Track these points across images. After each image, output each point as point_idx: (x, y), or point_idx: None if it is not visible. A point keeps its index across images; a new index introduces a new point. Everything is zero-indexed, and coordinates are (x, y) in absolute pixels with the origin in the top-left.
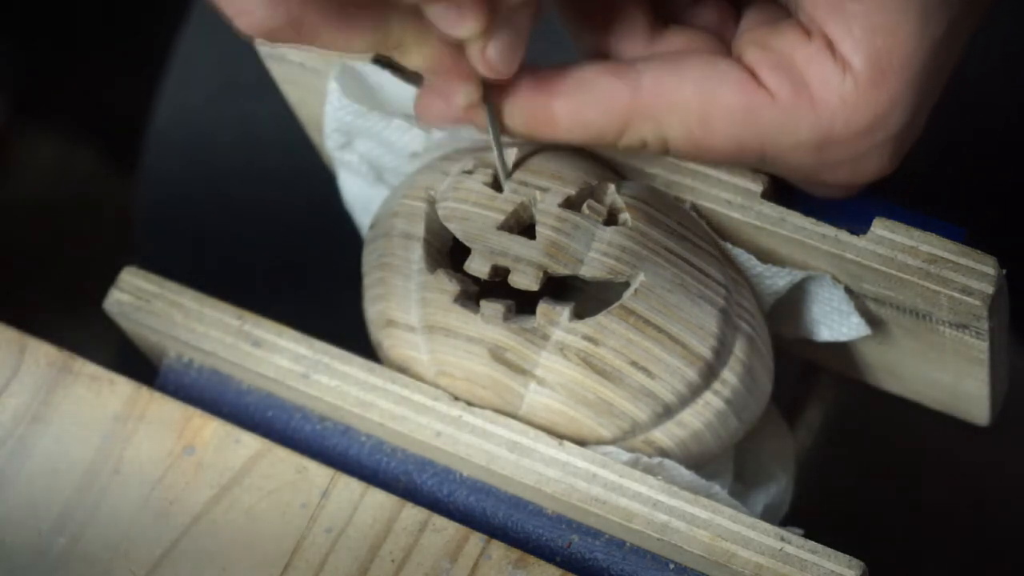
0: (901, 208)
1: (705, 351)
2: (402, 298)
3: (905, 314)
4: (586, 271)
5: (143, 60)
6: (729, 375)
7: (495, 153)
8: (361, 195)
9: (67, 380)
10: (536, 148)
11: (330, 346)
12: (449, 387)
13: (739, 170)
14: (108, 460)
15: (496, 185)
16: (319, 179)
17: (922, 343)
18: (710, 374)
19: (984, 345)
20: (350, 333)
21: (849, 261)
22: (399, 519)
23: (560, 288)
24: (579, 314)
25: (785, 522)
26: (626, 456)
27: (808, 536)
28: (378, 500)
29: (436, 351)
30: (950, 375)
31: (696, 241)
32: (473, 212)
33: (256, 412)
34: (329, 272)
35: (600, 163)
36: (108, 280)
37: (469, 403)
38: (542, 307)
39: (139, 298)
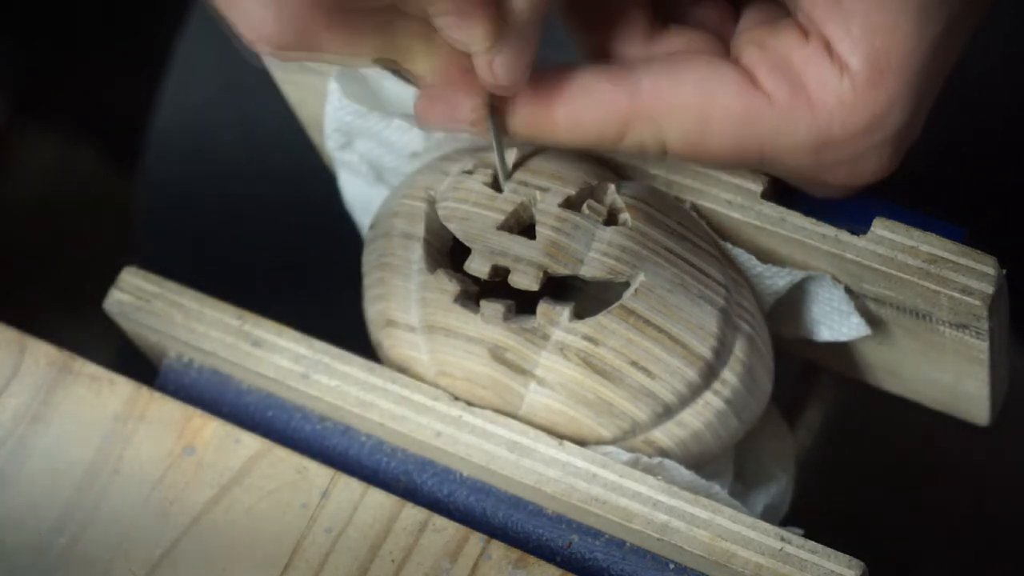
0: (901, 208)
1: (705, 351)
2: (402, 298)
3: (905, 314)
4: (586, 271)
5: (143, 60)
6: (729, 375)
7: (496, 155)
8: (361, 195)
9: (67, 380)
10: (536, 148)
11: (330, 346)
12: (449, 387)
13: (739, 170)
14: (108, 460)
15: (496, 185)
16: (319, 179)
17: (922, 343)
18: (710, 374)
19: (984, 345)
20: (350, 333)
21: (849, 261)
22: (399, 519)
23: (560, 288)
24: (579, 314)
25: (785, 522)
26: (626, 456)
27: (808, 536)
28: (378, 500)
29: (436, 351)
30: (950, 375)
31: (696, 241)
32: (473, 212)
33: (256, 412)
34: (329, 272)
35: (600, 163)
36: (108, 280)
37: (469, 403)
38: (542, 307)
39: (139, 298)
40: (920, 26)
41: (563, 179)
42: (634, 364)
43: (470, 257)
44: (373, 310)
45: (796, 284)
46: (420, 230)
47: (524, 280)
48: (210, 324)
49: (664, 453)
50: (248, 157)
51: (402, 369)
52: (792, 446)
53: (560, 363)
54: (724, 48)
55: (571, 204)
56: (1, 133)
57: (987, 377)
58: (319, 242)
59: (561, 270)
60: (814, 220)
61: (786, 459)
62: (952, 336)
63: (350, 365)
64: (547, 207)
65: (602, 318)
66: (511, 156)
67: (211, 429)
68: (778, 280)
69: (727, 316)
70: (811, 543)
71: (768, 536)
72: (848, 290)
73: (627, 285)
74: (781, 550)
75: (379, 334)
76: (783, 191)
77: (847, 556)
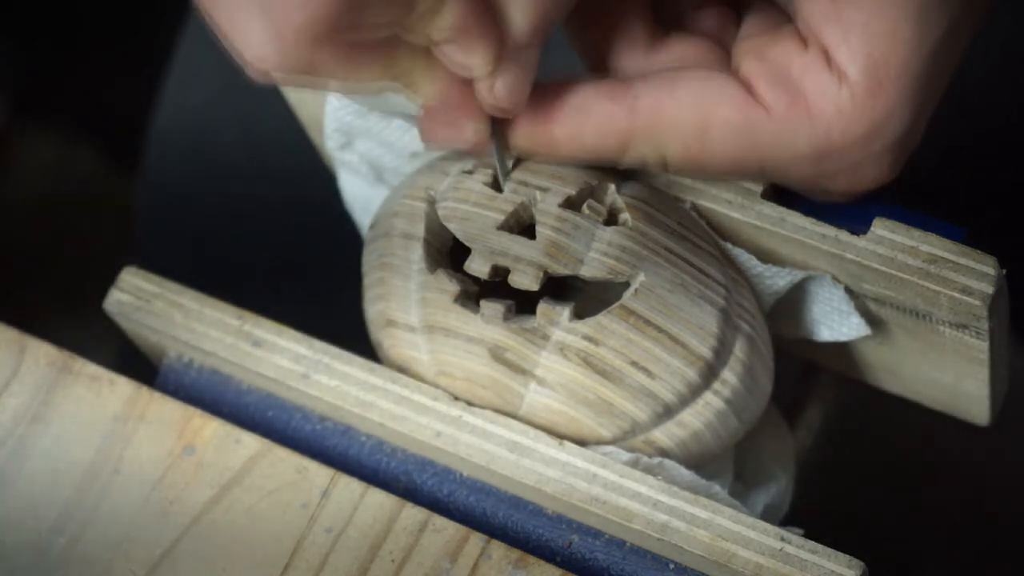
0: (901, 208)
1: (705, 351)
2: (402, 298)
3: (905, 314)
4: (586, 271)
5: (143, 60)
6: (729, 375)
7: (498, 167)
8: (361, 195)
9: (67, 380)
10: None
11: (330, 346)
12: (449, 387)
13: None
14: (108, 460)
15: (496, 185)
16: (319, 179)
17: (922, 343)
18: (710, 374)
19: (984, 345)
20: (350, 333)
21: (849, 261)
22: (399, 519)
23: (560, 288)
24: (579, 314)
25: (785, 522)
26: (626, 456)
27: (808, 536)
28: (378, 500)
29: (436, 351)
30: (950, 375)
31: (696, 241)
32: (473, 212)
33: (256, 412)
34: (329, 272)
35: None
36: (108, 280)
37: (469, 403)
38: (542, 307)
39: (139, 298)
40: (919, 33)
41: (563, 179)
42: (634, 364)
43: (470, 257)
44: (373, 310)
45: (796, 284)
46: (420, 230)
47: (524, 280)
48: (210, 324)
49: (664, 453)
50: (248, 157)
51: (402, 369)
52: (792, 446)
53: (560, 363)
54: (725, 55)
55: (571, 204)
56: (1, 133)
57: (987, 377)
58: (319, 242)
59: (561, 270)
60: (814, 220)
61: (786, 459)
62: (952, 336)
63: (350, 365)
64: (547, 207)
65: (602, 318)
66: (511, 159)
67: (211, 429)
68: (778, 280)
69: (727, 316)
70: (811, 543)
71: (768, 536)
72: (848, 290)
73: (627, 285)
74: (781, 550)
75: (379, 334)
76: (783, 191)
77: (847, 556)
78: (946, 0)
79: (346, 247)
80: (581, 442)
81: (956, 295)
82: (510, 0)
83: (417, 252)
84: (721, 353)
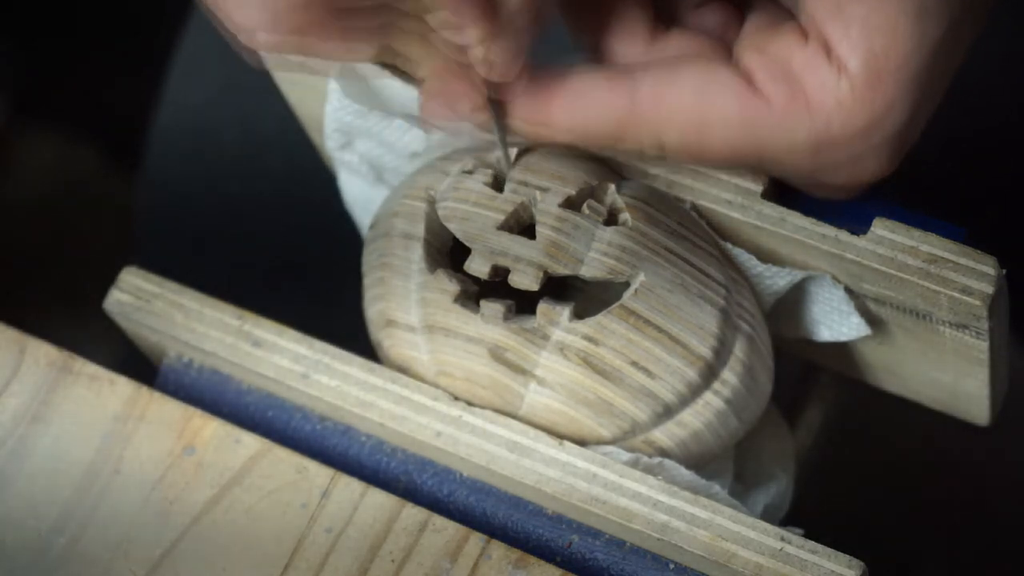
0: (901, 208)
1: (705, 351)
2: (402, 298)
3: (905, 314)
4: (586, 271)
5: (143, 60)
6: (729, 375)
7: (500, 148)
8: (361, 195)
9: (67, 380)
10: (536, 147)
11: (330, 346)
12: (449, 387)
13: (739, 170)
14: (108, 460)
15: (496, 185)
16: (319, 179)
17: (922, 343)
18: (710, 374)
19: (984, 345)
20: (350, 333)
21: (849, 261)
22: (399, 519)
23: (560, 288)
24: (579, 314)
25: (785, 522)
26: (626, 456)
27: (808, 536)
28: (378, 500)
29: (436, 351)
30: (950, 375)
31: (696, 241)
32: (473, 212)
33: (256, 412)
34: (329, 272)
35: (600, 163)
36: (108, 280)
37: (469, 403)
38: (542, 307)
39: (139, 298)
40: (920, 29)
41: (563, 179)
42: (634, 364)
43: (470, 257)
44: (373, 310)
45: (796, 284)
46: (420, 230)
47: (524, 280)
48: (210, 324)
49: (664, 453)
50: (248, 157)
51: (402, 369)
52: (792, 446)
53: (560, 363)
54: (726, 53)
55: (571, 204)
56: (1, 133)
57: (987, 377)
58: (319, 242)
59: (561, 270)
60: (814, 220)
61: (786, 459)
62: (952, 336)
63: (350, 365)
64: (547, 207)
65: (602, 318)
66: (513, 154)
67: (211, 429)
68: (778, 280)
69: (727, 316)
70: (811, 543)
71: (768, 536)
72: (848, 290)
73: (627, 285)
74: (781, 550)
75: (379, 334)
76: (783, 191)
77: (847, 556)
78: None
79: (346, 247)
80: (581, 442)
81: (956, 295)
82: None
83: (417, 252)
84: (721, 353)
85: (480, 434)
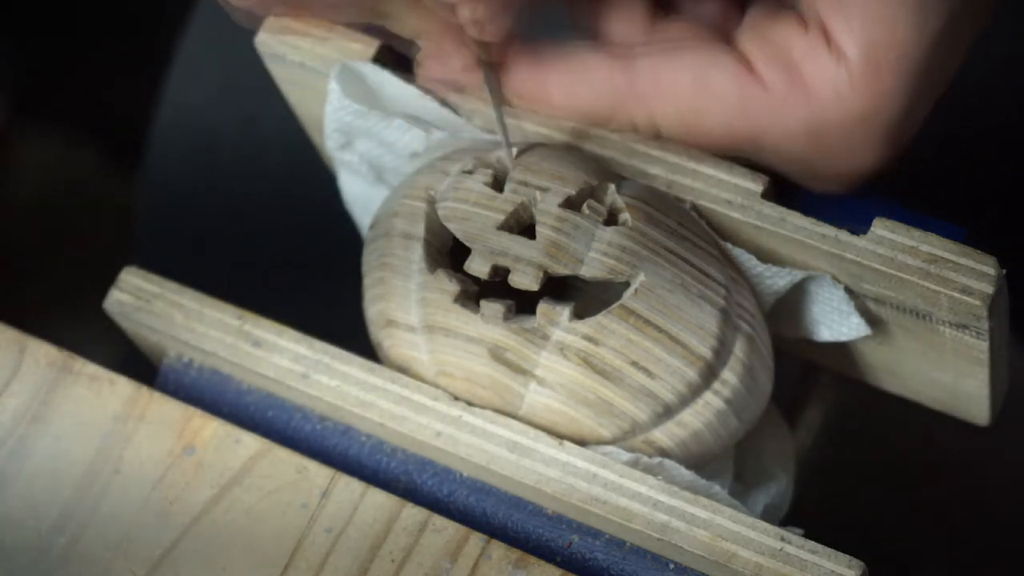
0: (901, 208)
1: (705, 351)
2: (402, 298)
3: (905, 314)
4: (586, 271)
5: (143, 60)
6: (729, 375)
7: (495, 118)
8: (361, 195)
9: (67, 380)
10: (536, 145)
11: (330, 346)
12: (449, 387)
13: (739, 170)
14: (108, 460)
15: (496, 185)
16: (319, 179)
17: (922, 343)
18: (710, 374)
19: (984, 345)
20: (350, 333)
21: (849, 261)
22: (399, 519)
23: (560, 288)
24: (579, 314)
25: (785, 522)
26: (626, 456)
27: (808, 536)
28: (378, 500)
29: (436, 351)
30: (950, 375)
31: (696, 241)
32: (473, 212)
33: (256, 412)
34: (329, 272)
35: (600, 163)
36: (108, 280)
37: (469, 403)
38: (542, 307)
39: (139, 298)
40: (920, 20)
41: (563, 179)
42: (634, 364)
43: (470, 257)
44: (373, 310)
45: (796, 284)
46: (420, 230)
47: (524, 280)
48: (210, 324)
49: (664, 453)
50: (248, 157)
51: (402, 369)
52: (792, 446)
53: (560, 363)
54: (724, 41)
55: (571, 204)
56: (1, 133)
57: (987, 377)
58: (319, 242)
59: (561, 270)
60: (814, 220)
61: (786, 459)
62: (952, 336)
63: (350, 365)
64: (547, 207)
65: (602, 318)
66: (512, 154)
67: (211, 429)
68: (778, 280)
69: (727, 316)
70: (811, 543)
71: (768, 536)
72: (848, 290)
73: (627, 285)
74: (781, 550)
75: (379, 334)
76: (783, 191)
77: (847, 556)
78: None
79: (346, 247)
80: (581, 442)
81: (956, 295)
82: None
83: (417, 252)
84: (721, 353)
85: (480, 434)
